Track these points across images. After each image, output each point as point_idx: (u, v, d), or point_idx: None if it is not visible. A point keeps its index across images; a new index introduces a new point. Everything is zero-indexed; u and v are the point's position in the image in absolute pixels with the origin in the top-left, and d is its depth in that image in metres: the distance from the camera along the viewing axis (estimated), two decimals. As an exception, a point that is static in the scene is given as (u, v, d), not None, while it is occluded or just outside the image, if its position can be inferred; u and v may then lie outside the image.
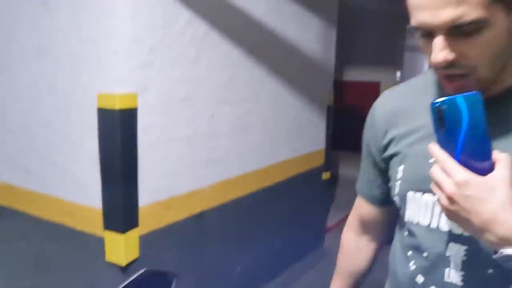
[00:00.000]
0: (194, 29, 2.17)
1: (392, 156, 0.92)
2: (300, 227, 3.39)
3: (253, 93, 2.66)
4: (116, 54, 1.83)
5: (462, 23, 0.67)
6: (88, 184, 2.02)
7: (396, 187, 0.90)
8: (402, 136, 0.90)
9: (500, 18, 0.69)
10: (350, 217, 1.16)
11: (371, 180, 1.04)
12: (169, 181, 2.16)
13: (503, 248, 0.65)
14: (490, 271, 0.78)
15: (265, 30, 2.68)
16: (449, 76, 0.74)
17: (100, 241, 2.00)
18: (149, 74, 1.96)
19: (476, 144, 0.68)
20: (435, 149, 0.70)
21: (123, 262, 1.94)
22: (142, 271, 1.05)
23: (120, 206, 1.94)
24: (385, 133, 0.93)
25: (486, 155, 0.69)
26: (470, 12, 0.66)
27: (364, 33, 5.49)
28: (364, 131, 1.03)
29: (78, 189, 2.06)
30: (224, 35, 2.37)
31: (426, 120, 0.77)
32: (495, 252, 0.67)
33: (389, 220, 1.10)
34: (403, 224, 0.94)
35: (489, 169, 0.68)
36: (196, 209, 2.35)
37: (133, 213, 1.99)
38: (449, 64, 0.71)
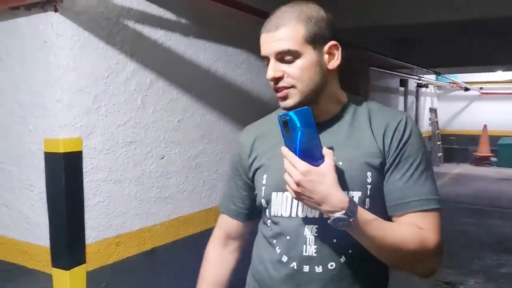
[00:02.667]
0: (140, 77, 2.36)
1: (257, 169, 1.19)
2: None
3: (204, 135, 2.83)
4: (60, 102, 2.01)
5: (283, 51, 1.04)
6: (38, 224, 2.14)
7: (262, 192, 1.17)
8: (263, 154, 1.19)
9: (309, 54, 1.06)
10: (214, 232, 1.35)
11: (238, 197, 1.28)
12: (118, 218, 2.29)
13: (334, 214, 0.96)
14: (334, 240, 1.07)
15: (214, 76, 2.89)
16: (278, 88, 1.07)
17: (49, 278, 2.11)
18: (94, 120, 2.13)
19: (310, 143, 0.98)
20: (285, 150, 1.00)
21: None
22: None
23: (65, 243, 2.06)
24: (250, 154, 1.22)
25: (318, 151, 0.99)
26: (288, 45, 1.03)
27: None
28: (231, 158, 1.31)
29: (29, 228, 2.18)
30: (171, 82, 2.56)
31: (278, 140, 1.05)
32: (329, 218, 0.97)
33: (250, 232, 1.31)
34: (266, 220, 1.19)
35: (321, 160, 0.98)
36: (148, 245, 2.46)
37: (79, 250, 2.11)
38: (277, 80, 1.06)
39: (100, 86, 2.16)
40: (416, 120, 11.21)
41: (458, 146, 12.45)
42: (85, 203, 2.12)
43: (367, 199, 1.06)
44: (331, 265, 1.07)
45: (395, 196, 1.06)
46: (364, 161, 1.06)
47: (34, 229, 2.17)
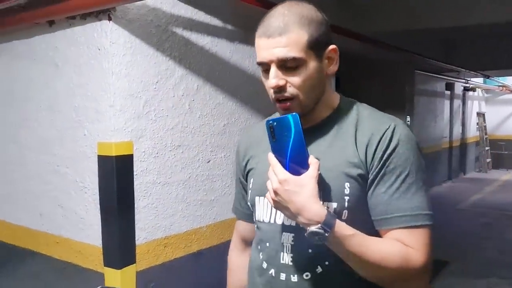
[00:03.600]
0: (188, 83, 2.42)
1: (248, 172, 1.18)
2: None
3: (249, 139, 2.86)
4: (113, 107, 2.08)
5: (287, 58, 0.97)
6: (91, 224, 2.23)
7: (249, 195, 1.16)
8: (253, 157, 1.17)
9: (312, 60, 1.00)
10: (233, 239, 1.34)
11: (243, 200, 1.26)
12: (166, 220, 2.35)
13: (309, 227, 0.92)
14: (310, 250, 1.02)
15: (259, 81, 2.91)
16: (279, 99, 1.02)
17: (101, 277, 2.19)
18: (144, 124, 2.20)
19: (296, 151, 0.95)
20: (270, 156, 0.97)
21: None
22: None
23: (117, 244, 2.13)
24: (244, 157, 1.21)
25: (303, 159, 0.95)
26: (291, 52, 0.97)
27: (375, 80, 5.69)
28: (235, 160, 1.29)
29: (83, 229, 2.28)
30: (217, 87, 2.61)
31: (266, 146, 1.01)
32: (306, 232, 0.92)
33: None
34: (255, 225, 1.18)
35: (306, 170, 0.94)
36: (194, 247, 2.51)
37: (130, 250, 2.18)
38: (279, 89, 1.00)
39: (150, 91, 2.23)
40: (463, 125, 10.88)
41: (508, 152, 11.96)
42: (136, 205, 2.19)
43: (345, 211, 1.00)
44: (306, 275, 1.03)
45: (380, 211, 0.99)
46: (343, 171, 1.00)
47: (87, 230, 2.26)
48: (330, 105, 1.09)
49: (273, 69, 0.99)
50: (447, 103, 9.72)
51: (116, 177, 2.10)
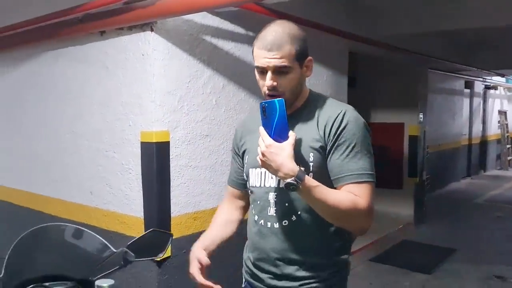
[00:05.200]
0: (215, 82, 2.86)
1: (244, 152, 1.55)
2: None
3: (267, 131, 3.28)
4: (153, 102, 2.54)
5: (281, 67, 1.34)
6: (134, 199, 2.69)
7: (244, 169, 1.54)
8: (247, 141, 1.54)
9: (296, 67, 1.38)
10: (223, 199, 1.74)
11: (236, 172, 1.63)
12: (195, 198, 2.79)
13: (286, 179, 1.26)
14: (286, 204, 1.41)
15: (276, 81, 3.33)
16: (270, 94, 1.37)
17: None
18: (178, 117, 2.65)
19: (281, 126, 1.29)
20: (261, 129, 1.31)
21: (159, 259, 2.56)
22: (150, 230, 1.63)
23: (155, 215, 2.58)
24: (240, 139, 1.59)
25: (285, 132, 1.30)
26: (284, 62, 1.34)
27: (389, 79, 6.00)
28: (232, 143, 1.66)
29: (127, 203, 2.74)
30: (240, 86, 3.04)
31: (256, 133, 1.35)
32: (283, 187, 1.28)
33: (248, 200, 1.61)
34: (248, 191, 1.55)
35: (287, 139, 1.30)
36: (219, 223, 2.94)
37: (166, 221, 2.63)
38: (272, 88, 1.36)
39: (183, 89, 2.67)
40: (483, 123, 11.00)
41: None
42: (171, 184, 2.64)
43: (311, 173, 1.34)
44: (285, 222, 1.41)
45: (335, 172, 1.35)
46: (309, 145, 1.37)
47: (131, 204, 2.72)
48: (303, 97, 1.47)
49: (269, 74, 1.35)
50: (466, 101, 9.89)
51: (156, 160, 2.56)
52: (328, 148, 1.37)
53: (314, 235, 1.41)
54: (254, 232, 1.50)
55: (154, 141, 2.55)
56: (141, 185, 2.64)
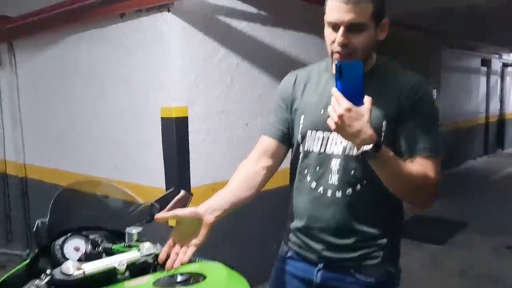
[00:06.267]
0: (229, 60, 3.00)
1: (296, 109, 1.42)
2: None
3: (281, 107, 3.41)
4: (172, 80, 2.70)
5: (355, 23, 1.22)
6: (156, 172, 2.87)
7: (300, 129, 1.39)
8: (302, 96, 1.42)
9: (372, 27, 1.25)
10: (253, 151, 1.49)
11: (278, 123, 1.45)
12: (213, 170, 2.95)
13: (363, 147, 1.15)
14: (352, 172, 1.32)
15: (289, 59, 3.45)
16: (341, 53, 1.26)
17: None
18: (195, 93, 2.80)
19: (357, 89, 1.16)
20: (334, 90, 1.16)
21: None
22: (171, 189, 1.75)
23: (176, 186, 2.75)
24: (294, 92, 1.44)
25: (361, 96, 1.17)
26: (360, 19, 1.22)
27: (402, 58, 6.04)
28: (277, 92, 1.49)
29: (150, 176, 2.92)
30: (253, 64, 3.17)
31: (318, 86, 1.32)
32: (359, 150, 1.17)
33: (281, 158, 1.48)
34: (298, 155, 1.42)
35: (362, 104, 1.16)
36: (236, 194, 3.11)
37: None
38: (344, 45, 1.24)
39: (199, 67, 2.82)
40: (501, 101, 10.91)
41: None
42: (190, 157, 2.80)
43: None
44: (348, 192, 1.32)
45: (407, 143, 1.27)
46: (382, 113, 1.27)
47: (153, 176, 2.90)
48: (371, 62, 1.35)
49: (342, 29, 1.23)
50: (483, 79, 9.82)
51: (176, 135, 2.72)
52: (402, 118, 1.29)
53: (376, 206, 1.35)
54: (308, 200, 1.39)
55: (173, 116, 2.71)
56: (163, 158, 2.81)
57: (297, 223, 1.43)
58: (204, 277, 1.05)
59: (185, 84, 2.75)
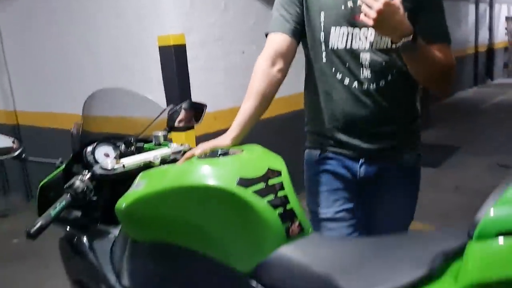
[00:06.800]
0: (222, -14, 2.97)
1: (310, 7, 1.38)
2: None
3: (276, 35, 3.41)
4: (166, 8, 2.68)
5: None
6: (158, 101, 2.89)
7: (322, 27, 1.37)
8: None
9: None
10: (264, 51, 1.44)
11: (292, 18, 1.40)
12: (213, 99, 2.99)
13: (403, 38, 1.19)
14: (383, 64, 1.35)
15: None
16: None
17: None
18: (192, 21, 2.79)
19: None
20: None
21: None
22: (187, 101, 1.76)
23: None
24: None
25: None
26: None
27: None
28: None
29: (151, 108, 2.95)
30: (246, -10, 3.14)
31: None
32: (395, 43, 1.20)
33: (290, 63, 1.45)
34: (319, 56, 1.41)
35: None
36: (237, 122, 3.17)
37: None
38: None
39: (194, -6, 2.79)
40: (490, 30, 10.88)
41: None
42: (191, 84, 2.83)
43: None
44: (382, 83, 1.36)
45: (425, 32, 1.26)
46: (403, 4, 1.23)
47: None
48: None
49: None
50: (472, 7, 9.73)
51: (175, 63, 2.73)
52: (417, 9, 1.31)
53: (405, 95, 1.43)
54: (342, 97, 1.39)
55: (171, 44, 2.71)
56: (163, 89, 2.84)
57: (332, 124, 1.44)
58: (242, 151, 1.12)
59: (180, 11, 2.73)
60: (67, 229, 1.39)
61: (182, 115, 1.66)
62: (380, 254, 0.89)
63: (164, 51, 2.75)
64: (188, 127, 1.76)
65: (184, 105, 1.72)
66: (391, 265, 0.83)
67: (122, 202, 1.07)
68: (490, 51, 10.92)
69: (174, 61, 2.73)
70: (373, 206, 1.50)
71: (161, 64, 2.79)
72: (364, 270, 0.85)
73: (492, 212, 0.67)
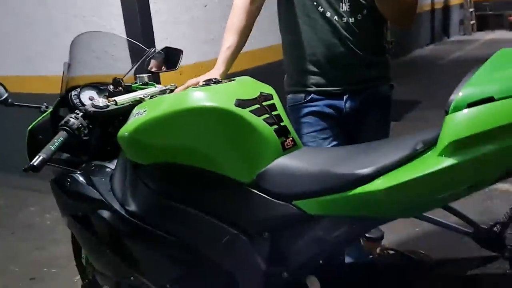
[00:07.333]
0: None
1: None
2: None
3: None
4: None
5: None
6: (122, 59, 2.80)
7: None
8: None
9: None
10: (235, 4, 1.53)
11: None
12: (178, 54, 2.92)
13: None
14: (363, 2, 1.46)
15: None
16: None
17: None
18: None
19: None
20: None
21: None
22: (164, 47, 1.71)
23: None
24: None
25: None
26: None
27: None
28: None
29: (115, 67, 2.85)
30: None
31: None
32: None
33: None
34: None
35: None
36: (203, 78, 3.12)
37: (155, 77, 2.78)
38: None
39: None
40: (446, -13, 10.95)
41: (493, 12, 11.98)
42: (155, 38, 2.75)
43: None
44: (359, 16, 1.46)
45: None
46: None
47: (119, 67, 2.83)
48: None
49: None
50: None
51: (139, 17, 2.63)
52: None
53: (378, 27, 1.53)
54: (323, 30, 1.47)
55: (133, -4, 2.61)
56: (127, 44, 2.73)
57: (315, 57, 1.51)
58: (234, 80, 1.18)
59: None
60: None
61: (159, 60, 1.65)
62: (368, 152, 1.04)
63: (126, 4, 2.64)
64: (167, 71, 1.78)
65: (163, 50, 1.72)
66: (378, 155, 0.97)
67: (125, 131, 1.11)
68: (446, 8, 11.03)
69: (138, 15, 2.63)
70: (356, 137, 1.60)
71: (123, 18, 2.69)
72: (354, 161, 0.98)
73: (461, 93, 0.85)
